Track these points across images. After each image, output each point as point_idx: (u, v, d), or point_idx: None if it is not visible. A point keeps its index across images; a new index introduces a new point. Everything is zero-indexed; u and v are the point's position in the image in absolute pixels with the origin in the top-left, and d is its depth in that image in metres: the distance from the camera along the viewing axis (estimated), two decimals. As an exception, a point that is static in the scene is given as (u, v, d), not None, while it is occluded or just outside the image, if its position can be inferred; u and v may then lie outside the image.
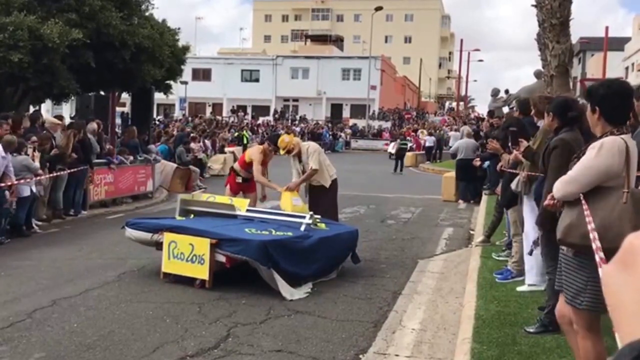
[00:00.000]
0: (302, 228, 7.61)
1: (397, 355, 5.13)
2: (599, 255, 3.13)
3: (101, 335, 5.41)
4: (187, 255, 6.97)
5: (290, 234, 7.31)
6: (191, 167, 17.94)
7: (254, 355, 5.03)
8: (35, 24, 13.37)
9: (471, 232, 11.32)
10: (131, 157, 14.79)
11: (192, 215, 8.32)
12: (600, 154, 3.53)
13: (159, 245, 7.40)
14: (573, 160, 3.80)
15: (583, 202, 3.58)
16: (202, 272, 6.88)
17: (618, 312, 0.59)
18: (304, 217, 7.91)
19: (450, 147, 23.02)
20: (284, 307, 6.37)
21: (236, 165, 9.95)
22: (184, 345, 5.21)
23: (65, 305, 6.28)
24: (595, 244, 3.25)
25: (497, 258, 8.05)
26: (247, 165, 9.55)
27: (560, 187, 3.70)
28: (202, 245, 6.88)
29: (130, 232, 7.69)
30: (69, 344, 5.17)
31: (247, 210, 8.39)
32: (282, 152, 8.89)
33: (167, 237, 7.18)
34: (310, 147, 9.05)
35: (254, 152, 9.66)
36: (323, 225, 7.96)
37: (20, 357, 4.86)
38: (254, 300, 6.60)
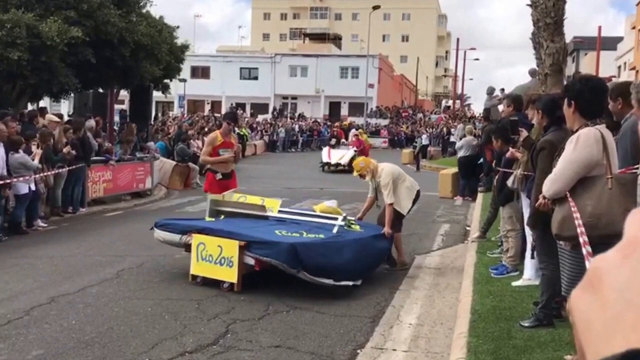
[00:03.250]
0: (335, 230, 7.44)
1: (394, 350, 5.16)
2: (585, 249, 3.18)
3: (100, 332, 5.44)
4: (216, 258, 6.86)
5: (321, 236, 7.16)
6: (190, 164, 17.95)
7: (253, 351, 5.06)
8: (33, 21, 13.37)
9: (467, 228, 11.37)
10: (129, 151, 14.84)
11: (222, 217, 8.11)
12: (578, 146, 3.64)
13: (188, 247, 7.30)
14: (555, 158, 3.88)
15: (569, 197, 3.64)
16: (230, 275, 6.76)
17: (585, 333, 0.59)
18: (336, 219, 7.75)
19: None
20: (283, 303, 6.40)
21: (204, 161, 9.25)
22: (182, 342, 5.24)
23: (64, 303, 6.30)
24: (583, 238, 3.30)
25: (490, 255, 8.09)
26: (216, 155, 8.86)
27: (549, 186, 3.77)
28: (231, 248, 6.77)
29: (159, 234, 7.53)
30: (67, 341, 5.20)
31: (279, 211, 8.24)
32: (355, 173, 8.33)
33: (195, 239, 7.06)
34: (384, 173, 8.01)
35: (208, 137, 9.16)
36: (357, 227, 7.77)
37: (19, 355, 4.88)
38: (253, 296, 6.63)
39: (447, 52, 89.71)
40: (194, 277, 7.08)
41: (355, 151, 23.37)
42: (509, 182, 6.66)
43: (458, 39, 60.37)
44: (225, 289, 6.78)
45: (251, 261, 6.75)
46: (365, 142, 25.94)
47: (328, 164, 24.11)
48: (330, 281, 6.74)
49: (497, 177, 7.90)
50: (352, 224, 7.78)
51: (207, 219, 8.10)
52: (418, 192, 8.25)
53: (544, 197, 3.93)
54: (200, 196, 14.94)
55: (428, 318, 6.08)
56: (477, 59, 75.36)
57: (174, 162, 17.40)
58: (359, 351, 5.15)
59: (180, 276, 7.47)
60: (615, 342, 0.54)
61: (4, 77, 13.66)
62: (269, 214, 8.12)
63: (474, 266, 7.54)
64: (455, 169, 16.50)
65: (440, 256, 9.07)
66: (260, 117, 47.93)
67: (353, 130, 30.25)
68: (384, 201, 7.97)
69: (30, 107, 16.66)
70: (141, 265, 8.03)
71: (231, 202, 8.56)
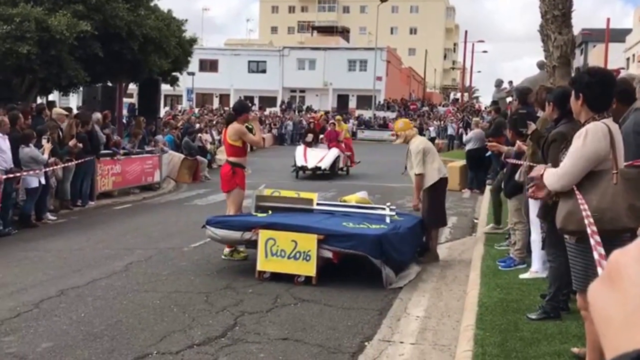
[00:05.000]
0: (388, 220, 7.69)
1: (401, 342, 5.17)
2: (594, 239, 3.17)
3: (108, 324, 5.47)
4: (289, 252, 6.85)
5: (384, 226, 7.35)
6: (198, 157, 18.00)
7: (261, 344, 5.08)
8: (42, 15, 13.42)
9: (475, 220, 11.34)
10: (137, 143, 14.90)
11: (269, 212, 8.01)
12: (587, 141, 3.62)
13: (249, 244, 7.29)
14: (562, 151, 3.87)
15: (576, 190, 3.63)
16: (308, 269, 6.77)
17: (604, 327, 0.59)
18: (383, 209, 7.98)
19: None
20: (290, 296, 6.42)
21: (233, 159, 8.31)
22: (191, 334, 5.26)
23: (73, 295, 6.34)
24: (590, 229, 3.29)
25: (498, 248, 8.09)
26: (237, 149, 8.31)
27: (555, 180, 3.77)
28: (308, 242, 6.78)
29: (214, 231, 7.38)
30: (76, 334, 5.23)
31: (319, 204, 8.36)
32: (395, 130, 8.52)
33: (263, 235, 6.99)
34: (418, 140, 8.20)
35: (238, 129, 8.28)
36: (396, 217, 7.99)
37: (28, 347, 4.92)
38: (261, 289, 6.65)
39: (455, 44, 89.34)
40: (261, 273, 7.00)
41: (339, 152, 18.86)
42: (517, 175, 6.64)
43: (466, 32, 60.16)
44: (299, 282, 6.79)
45: (328, 254, 6.83)
46: (345, 134, 20.27)
47: (303, 167, 18.18)
48: (392, 273, 6.90)
49: (505, 169, 7.89)
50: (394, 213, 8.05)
51: (255, 214, 7.96)
52: (446, 180, 8.35)
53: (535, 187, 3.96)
54: (209, 189, 15.02)
55: (435, 310, 6.08)
56: (485, 52, 75.24)
57: (183, 156, 17.45)
58: (366, 343, 5.16)
59: (188, 269, 7.51)
60: (635, 337, 0.55)
61: (13, 71, 13.73)
62: (315, 207, 8.19)
63: (482, 259, 7.53)
64: (463, 162, 16.45)
65: (448, 249, 9.07)
66: (268, 110, 47.95)
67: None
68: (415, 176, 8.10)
69: (39, 100, 16.74)
70: (150, 258, 8.07)
71: (277, 196, 8.48)
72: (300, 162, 18.36)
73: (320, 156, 18.37)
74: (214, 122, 25.90)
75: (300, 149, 19.41)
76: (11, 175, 9.48)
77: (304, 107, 50.66)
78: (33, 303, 6.03)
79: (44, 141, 10.48)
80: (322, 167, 17.98)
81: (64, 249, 8.56)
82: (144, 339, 5.14)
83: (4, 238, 9.22)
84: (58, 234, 9.70)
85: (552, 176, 3.80)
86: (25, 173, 9.89)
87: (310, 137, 20.25)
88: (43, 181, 10.34)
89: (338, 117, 22.61)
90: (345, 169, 19.90)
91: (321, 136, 20.00)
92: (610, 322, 0.58)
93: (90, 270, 7.37)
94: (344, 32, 70.59)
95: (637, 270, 0.58)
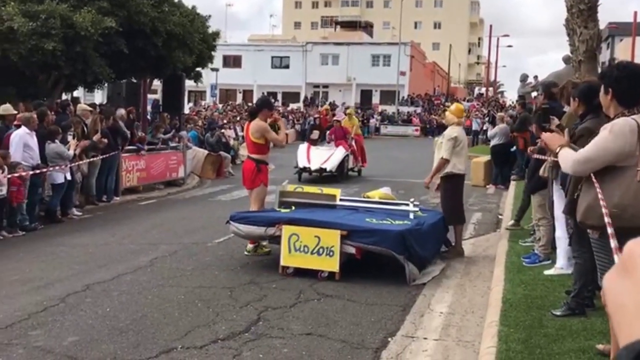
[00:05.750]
0: (411, 216, 7.67)
1: (425, 339, 5.15)
2: (614, 242, 3.13)
3: (134, 319, 5.53)
4: (313, 248, 6.87)
5: (407, 222, 7.34)
6: (222, 153, 18.09)
7: (284, 339, 5.09)
8: (67, 12, 13.58)
9: (499, 216, 11.24)
10: (161, 136, 15.04)
11: (293, 207, 8.02)
12: (612, 134, 3.56)
13: (273, 239, 7.32)
14: (588, 141, 3.82)
15: (596, 184, 3.58)
16: (331, 264, 6.79)
17: (618, 315, 0.60)
18: (407, 205, 7.96)
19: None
20: (314, 292, 6.43)
21: (256, 155, 8.23)
22: (215, 329, 5.29)
23: (98, 290, 6.42)
24: (610, 230, 3.25)
25: (522, 244, 8.00)
26: (260, 147, 8.24)
27: (570, 164, 3.73)
28: (331, 237, 6.80)
29: (238, 227, 7.42)
30: (101, 328, 5.30)
31: (340, 200, 8.34)
32: (447, 111, 8.47)
33: (286, 230, 7.02)
34: (450, 130, 8.10)
35: (262, 126, 8.17)
36: (420, 212, 7.98)
37: (54, 341, 4.99)
38: (284, 284, 6.67)
39: (479, 39, 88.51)
40: (284, 268, 7.03)
41: (346, 151, 16.64)
42: (541, 170, 6.56)
43: (491, 26, 59.69)
44: (323, 278, 6.80)
45: (351, 250, 6.83)
46: (355, 130, 17.77)
47: (306, 169, 16.01)
48: (415, 269, 6.88)
49: (529, 164, 7.80)
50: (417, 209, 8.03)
51: (278, 209, 7.97)
52: (463, 177, 8.32)
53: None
54: (233, 185, 15.09)
55: (459, 307, 6.04)
56: (510, 46, 74.21)
57: (206, 152, 17.56)
58: (389, 339, 5.15)
59: (212, 264, 7.56)
60: None
61: (39, 67, 13.92)
62: (338, 202, 8.19)
63: (506, 255, 7.46)
64: (487, 157, 16.30)
65: (472, 244, 8.99)
66: (291, 106, 48.03)
67: (340, 114, 20.21)
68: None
69: (64, 97, 16.96)
70: (174, 253, 8.13)
71: (300, 192, 8.49)
72: (302, 162, 16.16)
73: (325, 156, 16.15)
74: (238, 118, 25.99)
75: (302, 147, 16.94)
76: (37, 171, 9.62)
77: (327, 103, 50.60)
78: (59, 297, 6.12)
79: (69, 137, 10.63)
80: (328, 169, 15.80)
81: (89, 244, 8.67)
82: (168, 333, 5.19)
83: (30, 233, 9.37)
84: (84, 229, 9.83)
85: (569, 159, 3.75)
86: (51, 169, 10.03)
87: (315, 134, 18.06)
88: (69, 177, 10.48)
89: (349, 110, 19.83)
90: (356, 169, 17.83)
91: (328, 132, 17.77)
92: (624, 310, 0.58)
93: (115, 265, 7.45)
94: (368, 27, 70.35)
95: None
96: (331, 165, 15.90)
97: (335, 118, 18.10)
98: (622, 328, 0.59)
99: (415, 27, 78.95)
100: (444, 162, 7.93)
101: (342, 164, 16.38)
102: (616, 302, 0.60)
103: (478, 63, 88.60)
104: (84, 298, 6.14)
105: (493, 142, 15.48)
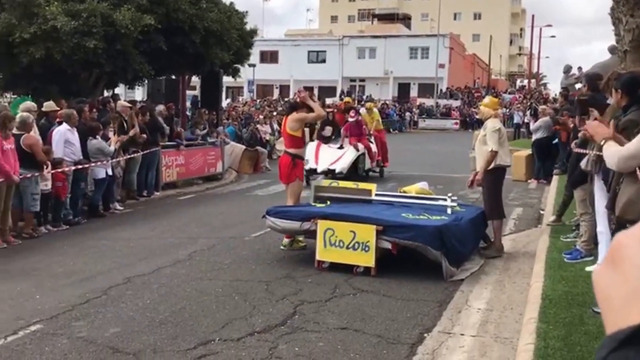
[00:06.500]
0: (449, 211, 7.60)
1: (462, 335, 5.10)
2: None
3: (173, 311, 5.63)
4: (348, 243, 6.88)
5: (445, 217, 7.29)
6: (259, 148, 18.22)
7: (320, 332, 5.12)
8: (108, 10, 13.84)
9: (541, 212, 11.02)
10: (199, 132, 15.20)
11: (328, 202, 8.03)
12: None
13: (308, 234, 7.36)
14: (635, 134, 3.70)
15: None
16: (366, 259, 6.80)
17: (605, 307, 0.61)
18: (444, 200, 7.90)
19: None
20: (349, 286, 6.43)
21: (293, 150, 8.28)
22: (251, 322, 5.35)
23: (139, 283, 6.55)
24: None
25: (564, 240, 7.83)
26: (296, 140, 8.32)
27: (615, 160, 3.62)
28: (367, 232, 6.80)
29: (274, 221, 7.46)
30: (142, 320, 5.41)
31: (376, 195, 8.32)
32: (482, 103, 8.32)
33: (321, 225, 7.04)
34: (491, 122, 7.85)
35: (296, 117, 8.24)
36: (458, 207, 7.90)
37: (97, 332, 5.12)
38: (320, 278, 6.69)
39: (521, 29, 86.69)
40: (320, 262, 7.06)
41: (357, 150, 14.64)
42: (583, 164, 6.41)
43: (533, 16, 58.49)
44: (358, 273, 6.81)
45: (387, 245, 6.82)
46: (374, 126, 16.06)
47: (313, 170, 13.83)
48: (453, 268, 6.82)
49: (570, 157, 7.62)
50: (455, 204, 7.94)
51: (317, 205, 7.98)
52: (505, 170, 8.08)
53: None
54: (269, 180, 15.18)
55: (498, 303, 5.96)
56: (553, 36, 72.71)
57: (244, 147, 17.70)
58: (426, 335, 5.12)
59: (249, 258, 7.63)
60: (632, 315, 0.57)
61: (81, 65, 14.22)
62: (373, 197, 8.16)
63: (547, 251, 7.33)
64: (528, 151, 16.01)
65: (512, 240, 8.85)
66: (328, 100, 48.03)
67: (362, 110, 17.27)
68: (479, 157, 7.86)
69: (106, 94, 17.30)
70: (212, 247, 8.24)
71: (335, 187, 8.50)
72: (309, 163, 13.56)
73: (335, 156, 14.29)
74: (274, 113, 26.11)
75: (312, 146, 14.70)
76: (80, 167, 9.85)
77: (364, 97, 50.44)
78: (101, 290, 6.26)
79: (110, 133, 10.85)
80: (337, 170, 13.77)
81: (130, 238, 8.84)
82: (206, 325, 5.27)
83: (74, 227, 9.60)
84: (125, 224, 10.02)
85: (614, 155, 3.65)
86: (92, 164, 10.25)
87: (328, 130, 15.48)
88: (110, 172, 10.70)
89: (369, 104, 17.99)
90: (378, 169, 16.04)
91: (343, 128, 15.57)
92: (611, 302, 0.60)
93: (155, 259, 7.59)
94: (405, 19, 69.82)
95: (638, 251, 0.60)
96: (341, 166, 14.00)
97: (350, 118, 15.30)
98: (609, 319, 0.60)
99: (455, 18, 77.77)
100: (494, 154, 7.66)
101: (356, 164, 14.65)
102: (603, 294, 0.62)
103: (520, 54, 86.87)
104: (125, 290, 6.28)
105: (536, 136, 15.20)
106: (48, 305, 5.79)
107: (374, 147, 15.56)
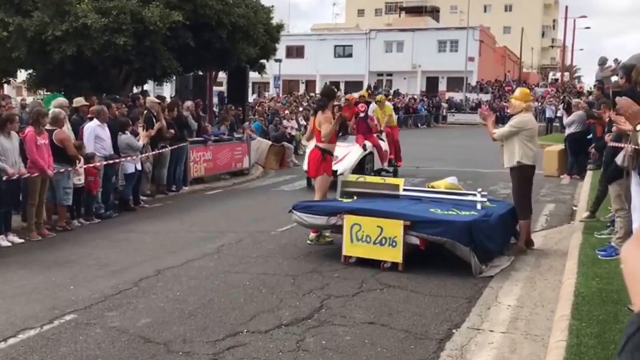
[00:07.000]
0: (479, 207, 7.51)
1: (491, 331, 5.04)
2: None
3: (202, 303, 5.69)
4: (375, 238, 6.84)
5: (474, 213, 7.22)
6: (285, 144, 18.25)
7: (347, 327, 5.11)
8: (137, 7, 13.98)
9: (574, 208, 10.83)
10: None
11: (355, 197, 8.02)
12: None
13: (335, 229, 7.33)
14: None
15: None
16: (393, 255, 6.76)
17: (632, 284, 0.61)
18: (474, 195, 7.79)
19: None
20: (376, 281, 6.40)
21: (323, 145, 8.36)
22: (279, 315, 5.37)
23: (169, 275, 6.63)
24: None
25: (598, 236, 7.68)
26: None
27: None
28: (394, 228, 6.75)
29: (300, 216, 7.46)
30: (172, 311, 5.48)
31: (404, 190, 8.25)
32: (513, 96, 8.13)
33: (348, 220, 7.02)
34: (524, 118, 7.68)
35: (326, 119, 8.37)
36: (487, 203, 7.80)
37: (129, 322, 5.20)
38: (347, 273, 6.68)
39: (554, 21, 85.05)
40: (347, 257, 7.05)
41: (365, 149, 13.42)
42: (618, 159, 6.26)
43: (566, 7, 57.36)
44: (385, 268, 6.78)
45: (415, 240, 6.77)
46: (385, 122, 14.79)
47: None
48: (483, 265, 6.76)
49: (605, 152, 7.46)
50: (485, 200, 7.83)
51: (340, 199, 7.98)
52: (534, 168, 7.89)
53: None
54: (296, 175, 15.21)
55: (528, 300, 5.87)
56: (587, 28, 71.17)
57: (270, 142, 17.75)
58: (454, 331, 5.07)
59: (276, 252, 7.65)
60: None
61: (111, 62, 14.41)
62: (401, 192, 8.09)
63: (580, 247, 7.19)
64: (561, 146, 15.73)
65: (543, 237, 8.71)
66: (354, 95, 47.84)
67: (372, 106, 15.09)
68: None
69: (135, 90, 17.49)
70: (240, 241, 8.29)
71: (361, 182, 8.47)
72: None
73: (339, 156, 12.36)
74: (300, 109, 26.10)
75: (312, 145, 13.34)
76: (110, 162, 9.98)
77: (392, 91, 50.17)
78: (133, 281, 6.36)
79: (139, 129, 10.97)
80: (339, 171, 12.00)
81: (160, 232, 8.94)
82: (235, 317, 5.30)
83: (105, 221, 9.75)
84: (154, 217, 10.14)
85: None
86: (122, 159, 10.39)
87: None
88: (139, 167, 10.83)
89: (379, 97, 16.16)
90: (392, 169, 14.97)
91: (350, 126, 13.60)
92: (637, 277, 0.61)
93: (184, 252, 7.66)
94: (434, 12, 69.12)
95: None
96: (344, 167, 12.66)
97: (360, 113, 13.79)
98: (636, 297, 0.61)
99: (485, 10, 76.65)
100: (494, 136, 7.73)
101: (363, 164, 13.48)
102: (630, 271, 0.62)
103: (552, 47, 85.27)
104: (156, 282, 6.36)
105: (569, 130, 14.92)
106: (82, 296, 5.90)
107: (384, 145, 14.35)
